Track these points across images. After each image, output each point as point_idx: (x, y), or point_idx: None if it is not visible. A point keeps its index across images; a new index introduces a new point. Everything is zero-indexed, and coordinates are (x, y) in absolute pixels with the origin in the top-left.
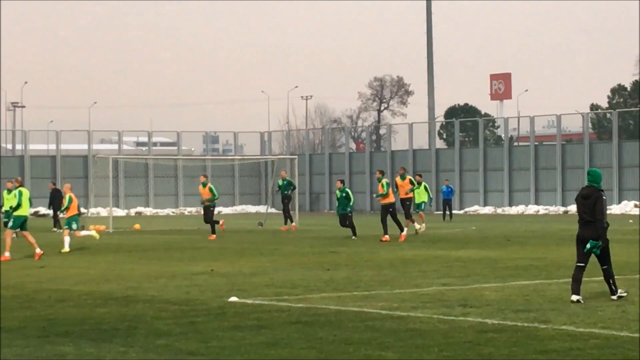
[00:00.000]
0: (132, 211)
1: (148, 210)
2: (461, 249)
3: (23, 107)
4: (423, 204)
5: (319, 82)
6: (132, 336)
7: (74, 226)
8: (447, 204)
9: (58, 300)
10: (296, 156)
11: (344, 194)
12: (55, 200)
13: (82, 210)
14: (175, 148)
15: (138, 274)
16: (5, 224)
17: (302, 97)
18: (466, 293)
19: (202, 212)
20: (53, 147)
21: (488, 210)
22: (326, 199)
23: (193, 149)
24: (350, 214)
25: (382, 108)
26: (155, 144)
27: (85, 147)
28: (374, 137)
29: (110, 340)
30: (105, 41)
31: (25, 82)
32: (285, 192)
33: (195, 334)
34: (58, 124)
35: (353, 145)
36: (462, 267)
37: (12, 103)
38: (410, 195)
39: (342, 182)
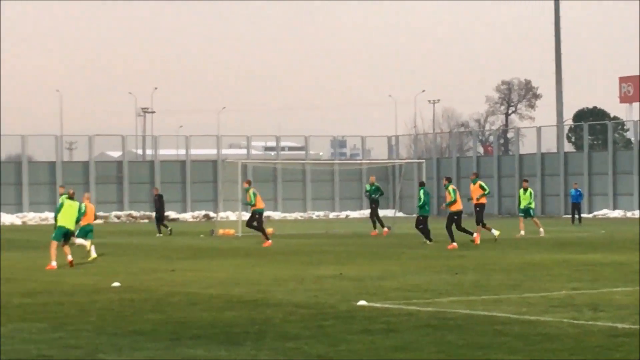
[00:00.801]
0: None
1: (276, 215)
2: (590, 253)
3: (153, 112)
4: (531, 210)
5: (447, 85)
6: (261, 339)
7: (90, 235)
8: (576, 207)
9: (189, 304)
10: (424, 160)
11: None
12: (160, 205)
13: (212, 214)
14: (303, 152)
15: (267, 277)
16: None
17: (429, 101)
18: (596, 297)
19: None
20: (183, 152)
21: (617, 213)
22: None
23: (321, 153)
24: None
25: (509, 112)
26: (283, 149)
27: (215, 151)
28: (501, 141)
29: (240, 344)
30: (234, 46)
31: (155, 88)
32: (373, 196)
33: (324, 337)
34: (187, 129)
35: (481, 149)
36: (591, 271)
37: (142, 108)
38: (483, 200)
39: (421, 183)
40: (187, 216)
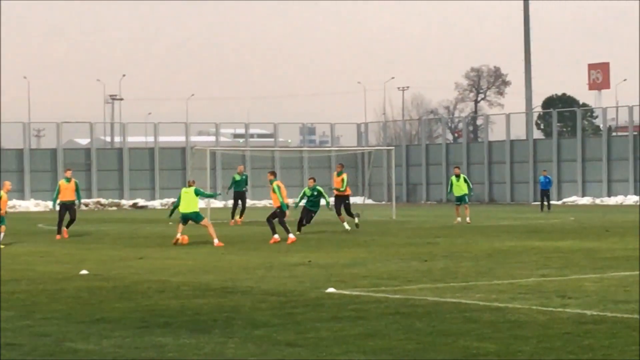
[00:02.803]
0: (230, 203)
1: (247, 202)
2: (559, 240)
3: (121, 99)
4: (466, 197)
5: (416, 73)
6: (230, 327)
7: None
8: (545, 194)
9: (157, 291)
10: (393, 147)
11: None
12: None
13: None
14: (272, 140)
15: (236, 265)
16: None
17: (398, 88)
18: (565, 284)
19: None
20: (151, 139)
21: (586, 200)
22: (423, 190)
23: (290, 141)
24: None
25: (479, 98)
26: (252, 136)
27: (183, 139)
28: (471, 128)
29: (208, 331)
30: (202, 33)
31: (124, 75)
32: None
33: (294, 324)
34: (156, 116)
35: (450, 136)
36: (561, 258)
37: (110, 96)
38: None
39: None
40: (156, 203)
